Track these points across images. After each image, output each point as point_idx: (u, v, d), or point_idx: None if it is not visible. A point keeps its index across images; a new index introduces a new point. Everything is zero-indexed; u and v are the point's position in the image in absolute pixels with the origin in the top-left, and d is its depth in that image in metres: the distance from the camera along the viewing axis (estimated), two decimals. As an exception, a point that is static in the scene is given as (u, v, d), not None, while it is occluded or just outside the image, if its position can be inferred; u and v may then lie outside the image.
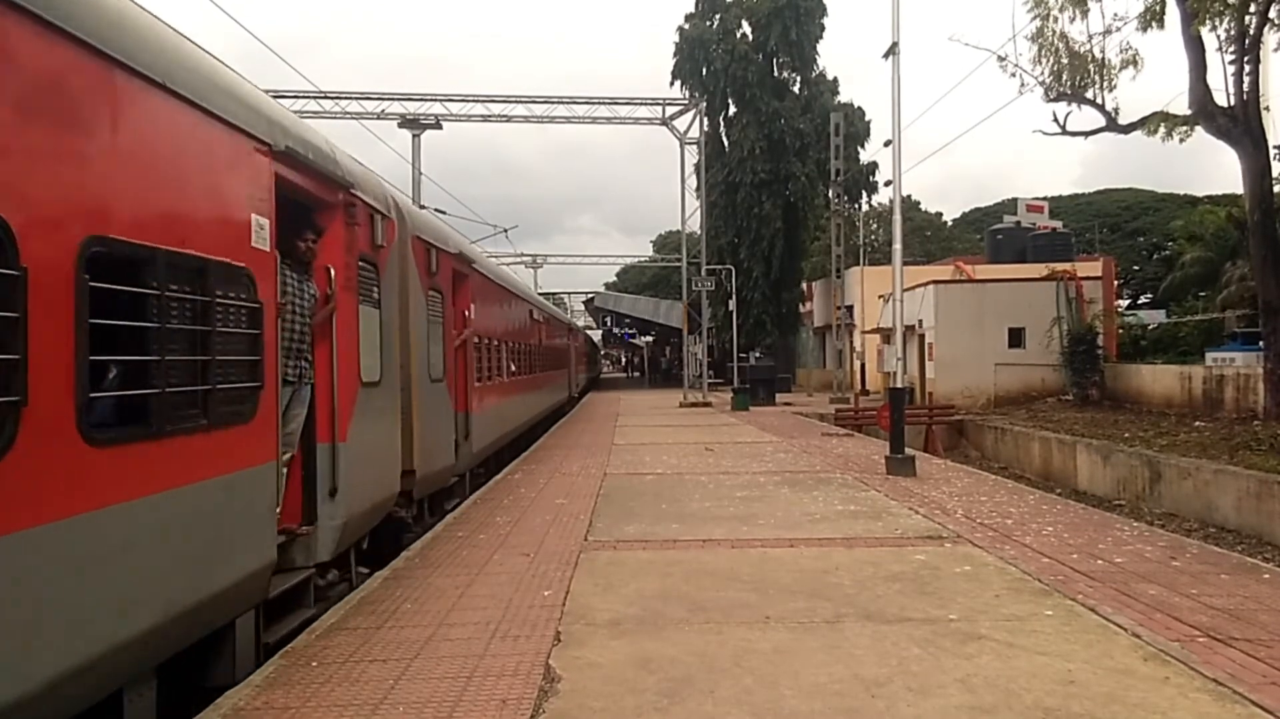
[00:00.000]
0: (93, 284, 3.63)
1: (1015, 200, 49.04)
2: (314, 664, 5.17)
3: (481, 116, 30.00)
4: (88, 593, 3.67)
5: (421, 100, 29.17)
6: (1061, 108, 21.74)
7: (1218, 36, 18.23)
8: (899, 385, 13.99)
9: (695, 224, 37.88)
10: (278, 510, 5.56)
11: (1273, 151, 18.80)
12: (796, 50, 42.75)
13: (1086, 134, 22.01)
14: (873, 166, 45.40)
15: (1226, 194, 41.87)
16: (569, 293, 78.62)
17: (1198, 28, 18.03)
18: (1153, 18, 19.26)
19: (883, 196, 50.17)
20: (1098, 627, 5.62)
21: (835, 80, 44.98)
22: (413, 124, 29.19)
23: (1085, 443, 18.18)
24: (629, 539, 8.56)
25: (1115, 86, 20.63)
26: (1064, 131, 21.97)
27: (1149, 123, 20.16)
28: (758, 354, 39.18)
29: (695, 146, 32.52)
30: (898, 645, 5.28)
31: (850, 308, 36.97)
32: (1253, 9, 17.31)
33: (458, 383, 11.18)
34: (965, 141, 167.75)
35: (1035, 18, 21.03)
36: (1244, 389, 20.23)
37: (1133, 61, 20.39)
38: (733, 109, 43.39)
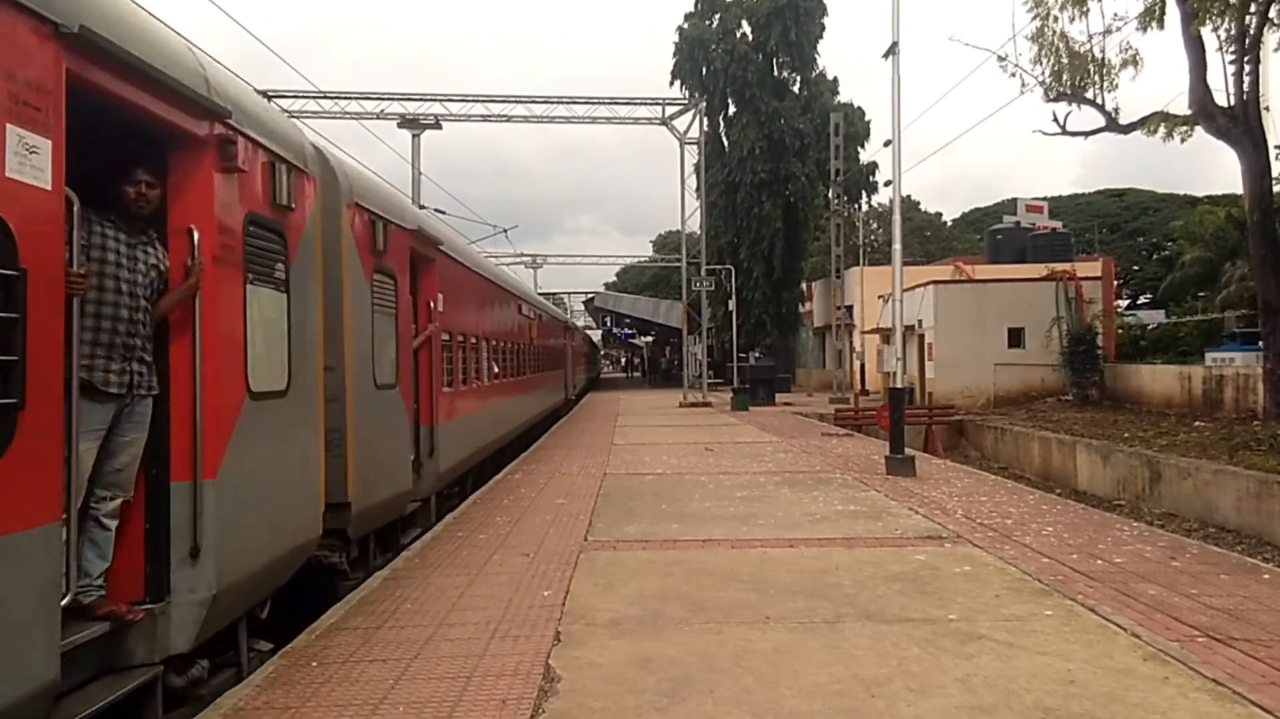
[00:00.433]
0: None
1: (1015, 200, 49.07)
2: (314, 664, 5.17)
3: (481, 116, 29.99)
4: None
5: (421, 100, 29.16)
6: (1061, 108, 21.78)
7: (1218, 36, 18.25)
8: (899, 385, 13.99)
9: (695, 224, 37.93)
10: (74, 592, 3.83)
11: (1273, 151, 18.82)
12: (796, 50, 42.75)
13: (1086, 134, 22.02)
14: (873, 166, 45.45)
15: (1226, 194, 41.92)
16: (569, 293, 78.71)
17: (1198, 28, 18.03)
18: (1152, 18, 19.27)
19: (882, 196, 50.27)
20: (1097, 627, 5.62)
21: (835, 80, 45.04)
22: (412, 124, 29.18)
23: (1085, 443, 18.18)
24: (629, 539, 8.56)
25: (1115, 86, 20.66)
26: (1064, 131, 21.98)
27: (1149, 123, 20.16)
28: (757, 354, 39.19)
29: (695, 146, 32.52)
30: (898, 645, 5.29)
31: (850, 308, 36.98)
32: (1253, 9, 17.31)
33: (421, 389, 9.52)
34: (965, 141, 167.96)
35: (1035, 18, 21.05)
36: (1243, 389, 20.23)
37: (1133, 61, 20.41)
38: (732, 109, 43.39)
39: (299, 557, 5.80)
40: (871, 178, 45.96)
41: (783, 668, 4.95)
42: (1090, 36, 20.69)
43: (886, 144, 23.55)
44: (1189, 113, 18.84)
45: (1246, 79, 17.70)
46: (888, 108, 14.15)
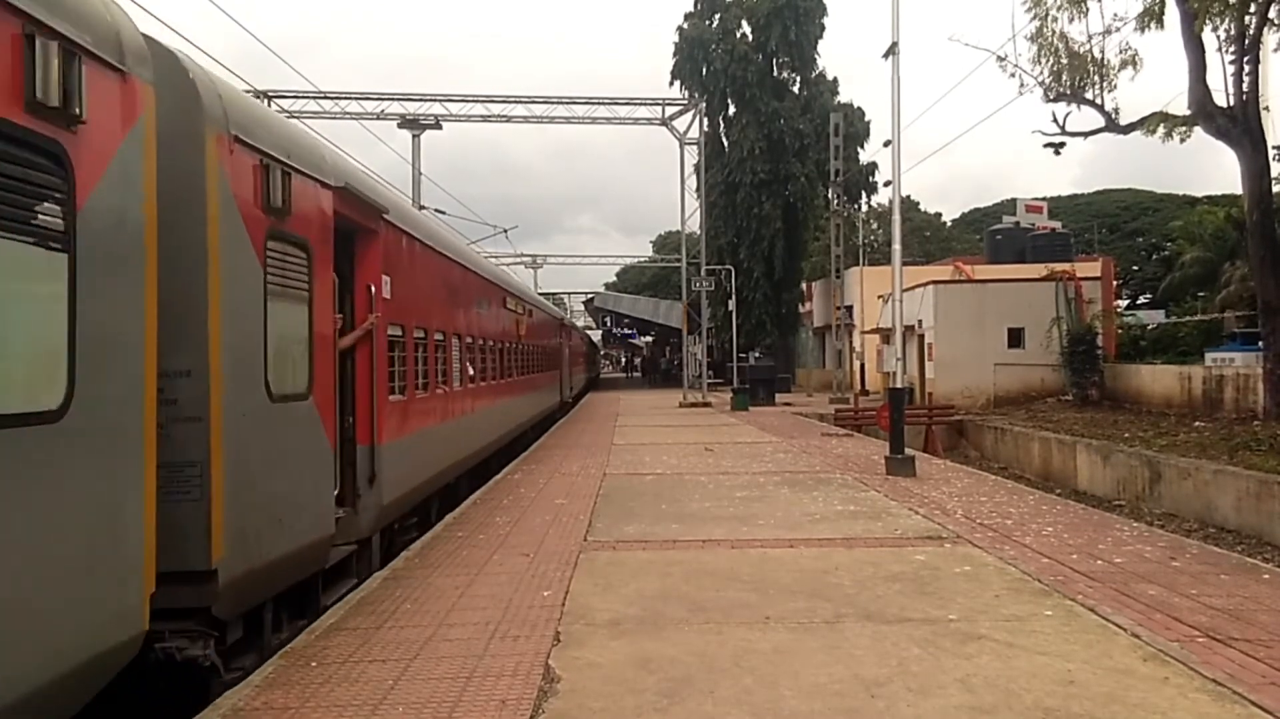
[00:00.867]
0: None
1: (1014, 201, 49.04)
2: (314, 664, 5.17)
3: (481, 116, 29.98)
4: None
5: (421, 100, 29.15)
6: (1061, 108, 21.80)
7: (1218, 37, 18.25)
8: (899, 385, 14.00)
9: (695, 224, 37.94)
10: None
11: (1272, 152, 18.82)
12: (796, 50, 42.77)
13: (1086, 134, 22.04)
14: (872, 167, 45.43)
15: (1226, 194, 41.89)
16: (569, 293, 78.65)
17: (1198, 28, 18.03)
18: (1152, 18, 19.26)
19: (882, 197, 50.25)
20: (1097, 627, 5.62)
21: (835, 80, 45.06)
22: (413, 124, 29.17)
23: (1085, 443, 18.18)
24: (629, 539, 8.56)
25: (1115, 87, 20.66)
26: (1063, 132, 21.99)
27: (1148, 123, 20.15)
28: (757, 354, 39.22)
29: (695, 147, 32.52)
30: (898, 645, 5.29)
31: (850, 308, 36.98)
32: (1252, 9, 17.31)
33: (357, 400, 7.67)
34: (965, 142, 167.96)
35: (1034, 18, 21.05)
36: (1243, 389, 20.23)
37: (1132, 62, 20.41)
38: (732, 109, 43.41)
39: (85, 685, 3.80)
40: (871, 178, 45.96)
41: (783, 668, 4.95)
42: (1089, 37, 20.72)
43: (886, 144, 23.54)
44: (1188, 113, 18.83)
45: (1246, 79, 17.71)
46: (888, 108, 14.18)
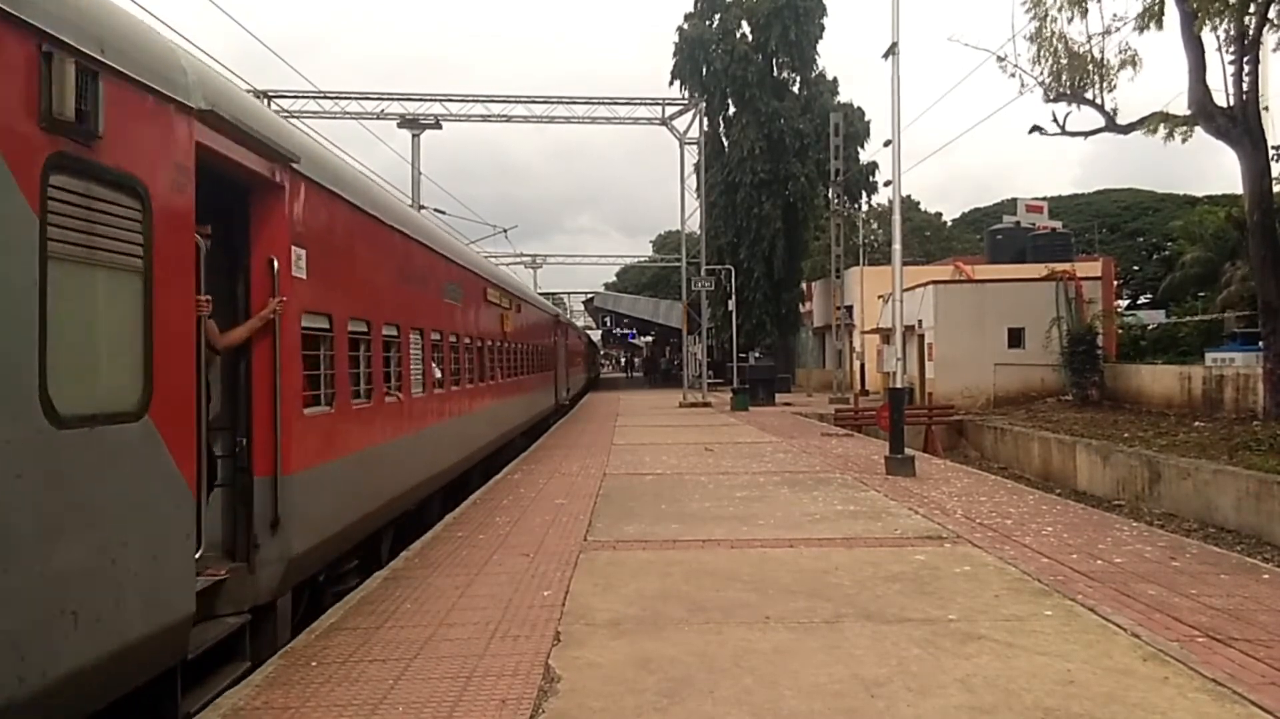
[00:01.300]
0: None
1: (1015, 200, 49.09)
2: (314, 664, 5.17)
3: (481, 116, 29.99)
4: None
5: (421, 100, 29.16)
6: (1061, 108, 21.81)
7: (1217, 37, 18.26)
8: (899, 385, 14.00)
9: (695, 224, 37.96)
10: None
11: (1272, 152, 18.81)
12: (796, 50, 42.76)
13: (1086, 134, 22.04)
14: (873, 166, 45.39)
15: (1226, 194, 41.90)
16: (569, 293, 78.66)
17: (1198, 28, 18.03)
18: (1152, 18, 19.26)
19: (882, 196, 50.18)
20: (1097, 627, 5.62)
21: (835, 80, 45.01)
22: (412, 124, 29.17)
23: (1085, 443, 18.18)
24: (629, 539, 8.56)
25: (1114, 87, 20.67)
26: (1064, 131, 21.99)
27: (1148, 123, 20.16)
28: (757, 354, 39.22)
29: (695, 147, 32.52)
30: (897, 645, 5.29)
31: (850, 308, 36.98)
32: (1252, 9, 17.31)
33: (254, 414, 5.76)
34: (965, 141, 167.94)
35: (1034, 18, 21.06)
36: (1243, 389, 20.23)
37: (1132, 62, 20.42)
38: (732, 109, 43.40)
39: None
40: (871, 178, 45.91)
41: (782, 668, 4.95)
42: (1089, 37, 20.74)
43: (886, 144, 23.57)
44: (1188, 113, 18.84)
45: (1246, 79, 17.71)
46: (888, 108, 14.18)
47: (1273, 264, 17.91)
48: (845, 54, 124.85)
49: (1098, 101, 20.86)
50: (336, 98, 28.69)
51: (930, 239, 70.76)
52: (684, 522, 9.41)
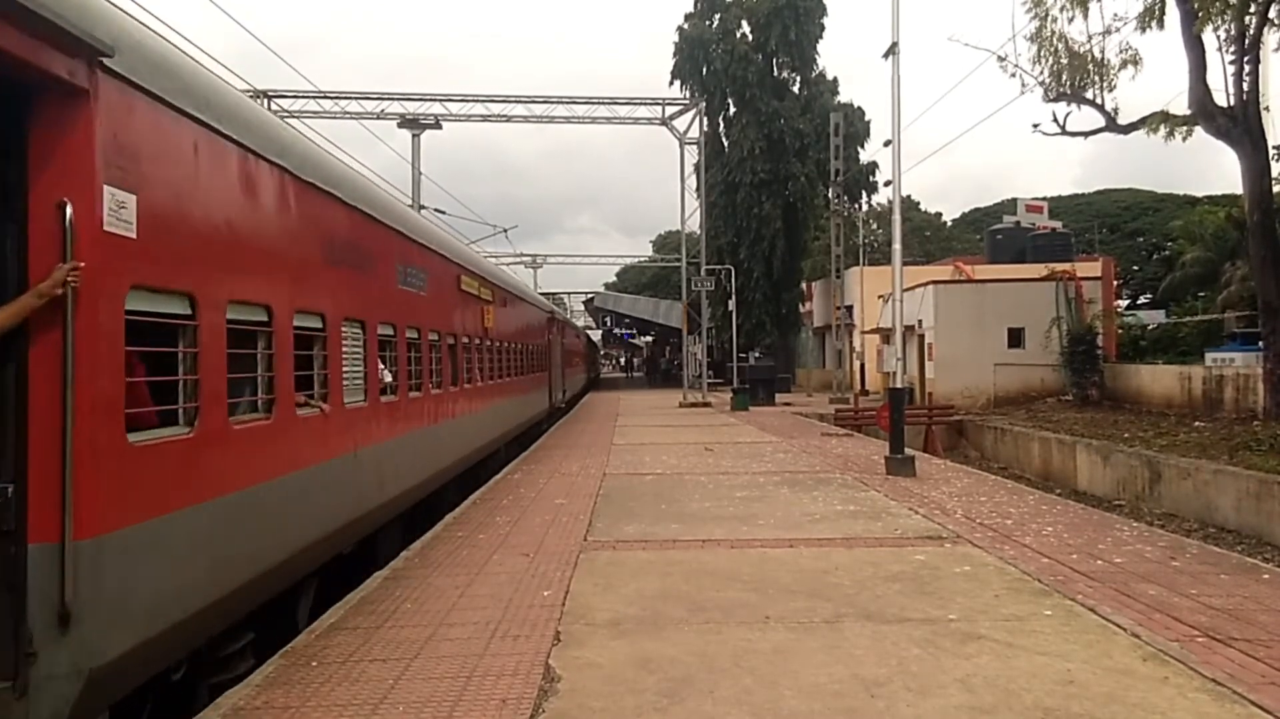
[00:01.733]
0: None
1: (1015, 200, 49.06)
2: (314, 664, 5.18)
3: (481, 116, 29.99)
4: None
5: (421, 100, 29.16)
6: (1061, 108, 21.80)
7: (1218, 36, 18.26)
8: (899, 385, 14.00)
9: (695, 224, 37.95)
10: None
11: (1272, 152, 18.82)
12: (796, 50, 42.79)
13: (1086, 134, 22.04)
14: (873, 166, 45.41)
15: (1226, 194, 41.91)
16: (569, 293, 78.66)
17: (1198, 28, 18.03)
18: (1152, 18, 19.26)
19: (882, 196, 50.23)
20: (1097, 627, 5.62)
21: (835, 80, 45.06)
22: (412, 124, 29.17)
23: (1085, 443, 18.18)
24: (629, 539, 8.56)
25: (1115, 87, 20.66)
26: (1064, 131, 21.99)
27: (1149, 123, 20.16)
28: (757, 354, 39.23)
29: (695, 146, 32.53)
30: (897, 645, 5.29)
31: (850, 308, 36.99)
32: (1253, 9, 17.31)
33: (30, 446, 3.78)
34: (965, 141, 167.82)
35: (1034, 18, 21.06)
36: (1243, 389, 20.23)
37: (1132, 61, 20.42)
38: (732, 109, 43.42)
39: None
40: (871, 178, 45.94)
41: (782, 668, 4.96)
42: (1089, 37, 20.73)
43: (886, 144, 23.56)
44: (1189, 113, 18.84)
45: (1246, 79, 17.71)
46: (888, 108, 14.18)
47: (1273, 264, 17.91)
48: (845, 54, 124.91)
49: (1098, 101, 20.87)
50: (336, 98, 28.69)
51: (930, 239, 70.77)
52: (684, 521, 9.41)
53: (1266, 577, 7.01)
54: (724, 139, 43.98)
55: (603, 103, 30.39)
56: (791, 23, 41.86)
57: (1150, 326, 36.62)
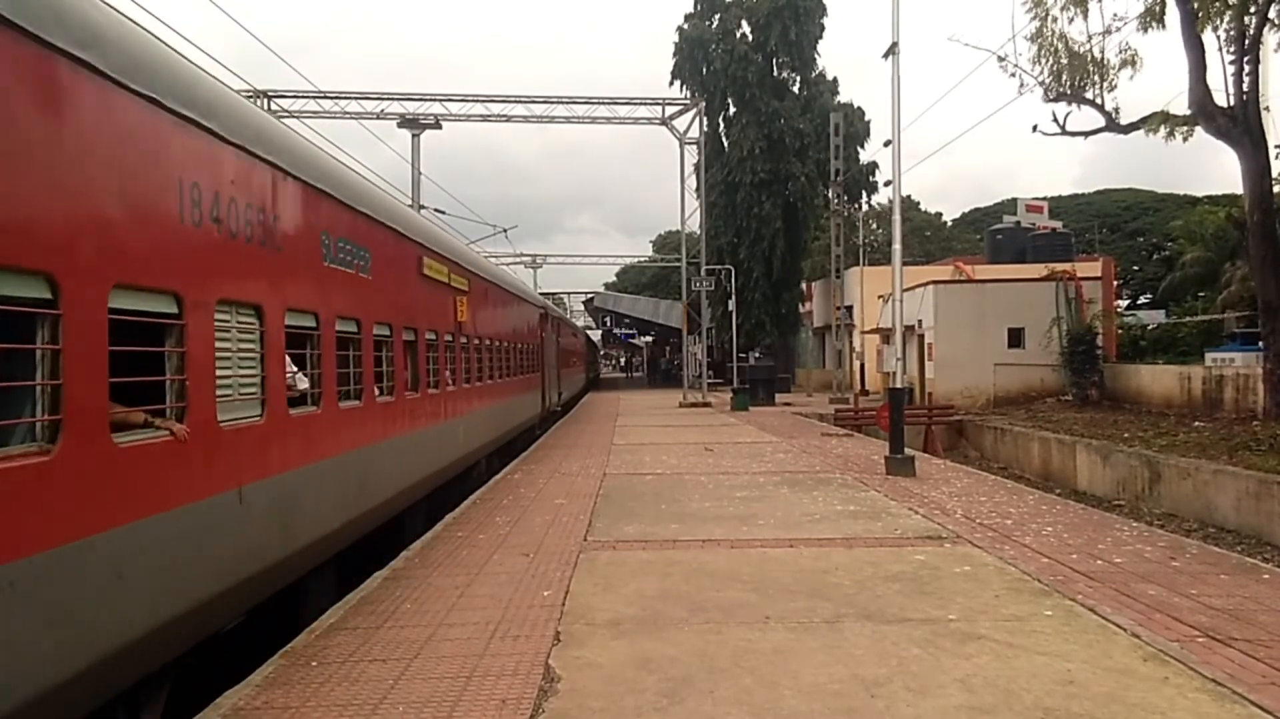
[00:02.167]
0: None
1: (1015, 200, 49.04)
2: (314, 664, 5.17)
3: (481, 116, 29.97)
4: None
5: (421, 100, 29.14)
6: (1061, 108, 21.77)
7: (1218, 37, 18.25)
8: (899, 385, 13.99)
9: (695, 224, 37.95)
10: None
11: (1272, 151, 18.82)
12: (796, 50, 42.80)
13: (1086, 134, 22.01)
14: (873, 166, 45.47)
15: (1226, 194, 41.90)
16: (569, 293, 78.69)
17: (1199, 28, 18.03)
18: (1153, 18, 19.25)
19: (882, 196, 50.32)
20: (1097, 627, 5.62)
21: (835, 80, 45.12)
22: (412, 124, 29.15)
23: (1085, 443, 18.18)
24: (629, 539, 8.56)
25: (1115, 87, 20.64)
26: (1064, 131, 21.98)
27: (1149, 123, 20.13)
28: (757, 354, 39.23)
29: (695, 146, 32.52)
30: (897, 645, 5.29)
31: (850, 308, 36.98)
32: (1253, 9, 17.31)
33: None
34: (965, 141, 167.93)
35: (1034, 18, 21.04)
36: (1243, 389, 20.22)
37: (1132, 61, 20.39)
38: (732, 109, 43.43)
39: None
40: (871, 178, 46.00)
41: (782, 668, 4.95)
42: (1089, 37, 20.70)
43: (886, 144, 23.55)
44: (1189, 113, 18.83)
45: (1246, 79, 17.70)
46: (888, 108, 14.18)
47: (1273, 264, 17.90)
48: (845, 54, 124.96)
49: (1098, 101, 20.85)
50: (336, 98, 28.68)
51: (930, 239, 70.78)
52: (684, 522, 9.41)
53: (1266, 577, 7.00)
54: (724, 139, 44.00)
55: (603, 103, 30.36)
56: (791, 23, 41.87)
57: (1150, 327, 36.63)
